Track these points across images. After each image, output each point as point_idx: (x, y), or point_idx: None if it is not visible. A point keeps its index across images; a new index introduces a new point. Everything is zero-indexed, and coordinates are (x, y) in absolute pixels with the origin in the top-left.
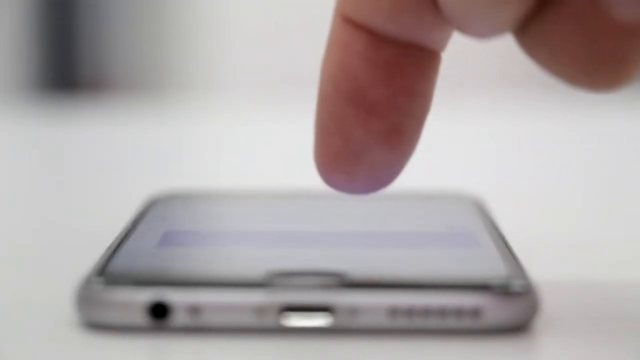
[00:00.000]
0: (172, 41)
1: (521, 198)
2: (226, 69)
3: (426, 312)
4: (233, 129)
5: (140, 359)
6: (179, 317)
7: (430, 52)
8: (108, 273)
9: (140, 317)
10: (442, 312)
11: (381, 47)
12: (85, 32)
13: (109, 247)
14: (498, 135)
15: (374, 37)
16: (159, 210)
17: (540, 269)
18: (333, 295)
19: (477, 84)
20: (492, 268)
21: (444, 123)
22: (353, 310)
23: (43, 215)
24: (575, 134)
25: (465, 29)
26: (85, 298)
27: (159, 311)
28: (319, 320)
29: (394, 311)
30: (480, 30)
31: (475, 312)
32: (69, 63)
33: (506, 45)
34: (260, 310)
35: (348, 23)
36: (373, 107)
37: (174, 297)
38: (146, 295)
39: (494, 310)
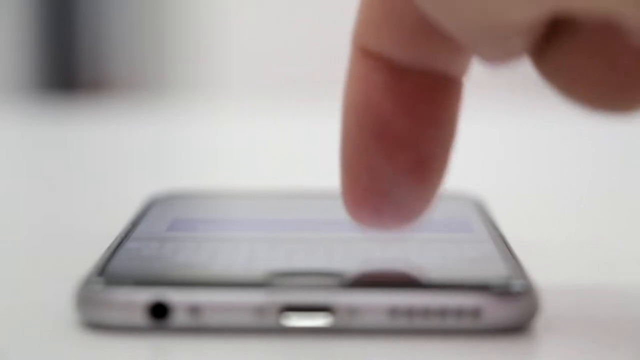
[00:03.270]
0: (172, 41)
1: (521, 198)
2: (226, 69)
3: (426, 312)
4: (233, 129)
5: (140, 359)
6: (179, 317)
7: (452, 80)
8: (108, 273)
9: (140, 317)
10: (442, 312)
11: (402, 77)
12: (85, 32)
13: (109, 247)
14: (498, 135)
15: (395, 68)
16: (158, 210)
17: (540, 269)
18: (333, 295)
19: (477, 83)
20: (492, 268)
21: None
22: (353, 310)
23: (43, 215)
24: (576, 134)
25: (479, 56)
26: (85, 298)
27: (159, 311)
28: (319, 320)
29: (394, 311)
30: (493, 57)
31: (475, 312)
32: (69, 63)
33: None
34: (260, 310)
35: (367, 55)
36: (398, 139)
37: (174, 297)
38: (146, 295)
39: (494, 310)
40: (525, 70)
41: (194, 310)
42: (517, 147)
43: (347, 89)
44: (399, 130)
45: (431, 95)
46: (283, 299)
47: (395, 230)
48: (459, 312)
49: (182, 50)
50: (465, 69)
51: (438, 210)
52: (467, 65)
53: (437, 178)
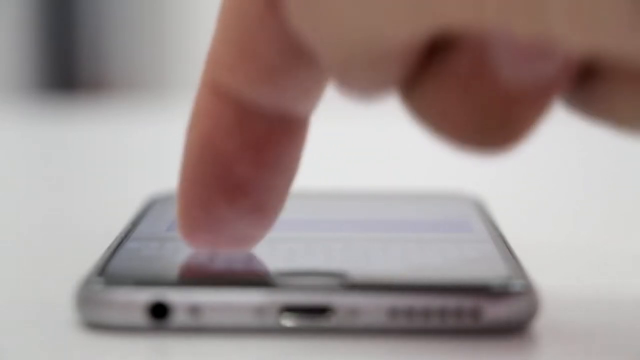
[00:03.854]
0: (172, 41)
1: (521, 198)
2: None
3: (426, 312)
4: None
5: (140, 359)
6: (179, 317)
7: (300, 121)
8: (108, 273)
9: (140, 317)
10: (442, 312)
11: (251, 118)
12: (85, 32)
13: (109, 247)
14: None
15: (244, 108)
16: (158, 210)
17: (540, 269)
18: (333, 295)
19: None
20: (492, 268)
21: None
22: (353, 311)
23: (43, 215)
24: (576, 134)
25: (345, 89)
26: (85, 298)
27: (159, 311)
28: (319, 320)
29: (394, 311)
30: (359, 88)
31: (475, 312)
32: (69, 63)
33: None
34: (260, 310)
35: (216, 93)
36: (238, 185)
37: (174, 297)
38: (146, 295)
39: (494, 310)
40: None
41: (194, 310)
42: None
43: (192, 125)
44: (241, 176)
45: (278, 139)
46: (283, 299)
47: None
48: (459, 312)
49: (182, 50)
50: (313, 109)
51: (438, 210)
52: (316, 104)
53: (271, 220)
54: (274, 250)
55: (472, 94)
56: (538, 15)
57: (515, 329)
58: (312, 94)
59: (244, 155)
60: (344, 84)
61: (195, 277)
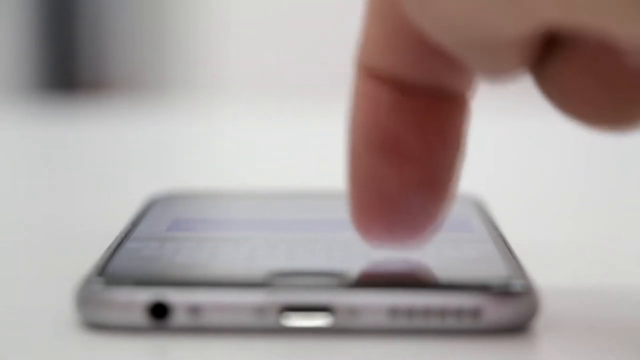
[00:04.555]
0: (172, 41)
1: (521, 198)
2: (226, 69)
3: (426, 312)
4: (233, 129)
5: (140, 359)
6: (179, 317)
7: (457, 97)
8: (108, 273)
9: (140, 317)
10: (442, 312)
11: (409, 95)
12: (85, 32)
13: (109, 247)
14: (498, 135)
15: (401, 87)
16: (158, 210)
17: (540, 269)
18: (333, 295)
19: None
20: (492, 268)
21: None
22: (353, 310)
23: (43, 215)
24: (576, 134)
25: (478, 73)
26: (85, 298)
27: (159, 311)
28: (319, 320)
29: (394, 311)
30: (491, 73)
31: (475, 312)
32: (69, 63)
33: None
34: (260, 310)
35: (372, 74)
36: (407, 156)
37: (174, 297)
38: (146, 295)
39: (494, 310)
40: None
41: (194, 310)
42: (517, 147)
43: (353, 108)
44: (408, 147)
45: (438, 112)
46: (283, 299)
47: (405, 245)
48: (459, 312)
49: (182, 50)
50: (470, 86)
51: None
52: (471, 81)
53: (446, 193)
54: (274, 250)
55: (600, 72)
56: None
57: (515, 329)
58: (463, 73)
59: (407, 129)
60: (474, 70)
61: (195, 277)
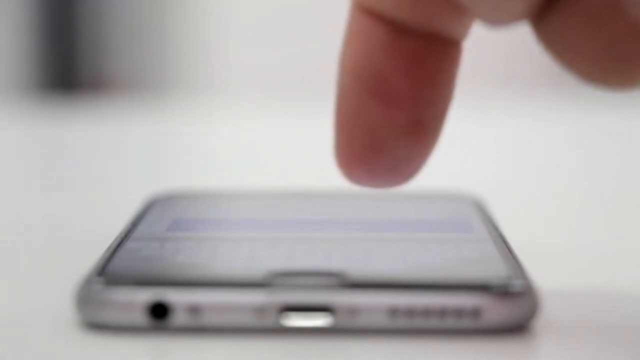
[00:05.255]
0: (172, 41)
1: (521, 198)
2: (226, 69)
3: (426, 312)
4: (233, 129)
5: (140, 359)
6: (179, 317)
7: (451, 43)
8: (108, 273)
9: (140, 317)
10: (442, 312)
11: (403, 37)
12: (85, 32)
13: (109, 247)
14: (498, 135)
15: (395, 28)
16: (158, 210)
17: (540, 269)
18: (333, 295)
19: (477, 83)
20: (492, 268)
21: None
22: (353, 310)
23: (43, 215)
24: (577, 134)
25: (480, 18)
26: (85, 298)
27: (159, 311)
28: (319, 320)
29: (394, 311)
30: (494, 18)
31: (475, 312)
32: (69, 63)
33: (507, 44)
34: (260, 310)
35: (367, 14)
36: (396, 98)
37: (174, 297)
38: (146, 295)
39: (494, 310)
40: (527, 69)
41: (194, 310)
42: (517, 146)
43: (345, 47)
44: (398, 89)
45: (430, 57)
46: (283, 299)
47: (387, 188)
48: (459, 312)
49: (182, 51)
50: (465, 32)
51: (438, 210)
52: (467, 28)
53: (432, 139)
54: (274, 250)
55: (603, 26)
56: None
57: (515, 328)
58: (461, 18)
59: (398, 71)
60: (478, 15)
61: (195, 277)
